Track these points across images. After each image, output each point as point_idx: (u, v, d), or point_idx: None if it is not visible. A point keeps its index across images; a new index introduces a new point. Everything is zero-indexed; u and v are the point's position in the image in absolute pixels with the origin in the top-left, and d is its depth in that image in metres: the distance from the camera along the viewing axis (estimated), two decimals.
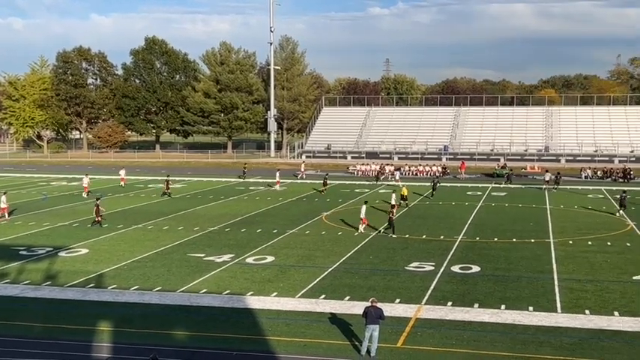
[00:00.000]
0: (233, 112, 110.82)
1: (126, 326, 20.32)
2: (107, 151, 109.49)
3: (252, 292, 23.98)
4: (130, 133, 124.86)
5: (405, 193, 47.19)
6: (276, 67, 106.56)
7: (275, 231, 36.53)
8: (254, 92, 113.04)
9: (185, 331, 19.87)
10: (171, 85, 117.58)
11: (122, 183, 60.56)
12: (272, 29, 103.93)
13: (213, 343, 18.86)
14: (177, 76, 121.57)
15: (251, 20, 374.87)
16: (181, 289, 24.45)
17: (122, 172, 61.78)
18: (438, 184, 54.82)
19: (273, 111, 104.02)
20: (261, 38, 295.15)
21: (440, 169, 73.42)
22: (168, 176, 56.77)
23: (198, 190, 56.94)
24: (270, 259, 29.58)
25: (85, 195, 51.66)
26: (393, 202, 41.59)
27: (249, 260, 29.31)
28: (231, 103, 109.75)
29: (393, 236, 34.58)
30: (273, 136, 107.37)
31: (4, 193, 42.17)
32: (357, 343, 18.63)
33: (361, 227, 36.28)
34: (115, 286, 25.04)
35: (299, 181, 66.10)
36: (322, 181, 56.35)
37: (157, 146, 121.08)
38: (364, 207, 37.16)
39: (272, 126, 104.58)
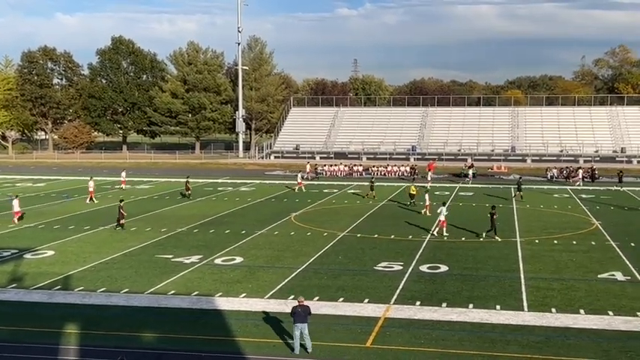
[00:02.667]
0: (201, 113, 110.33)
1: (93, 328, 20.09)
2: (73, 152, 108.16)
3: (220, 293, 23.87)
4: (96, 133, 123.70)
5: (414, 192, 48.07)
6: (244, 68, 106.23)
7: (244, 232, 36.40)
8: (222, 92, 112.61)
9: (153, 333, 19.71)
10: (138, 86, 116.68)
11: (123, 186, 58.55)
12: (240, 29, 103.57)
13: (181, 345, 18.73)
14: (145, 76, 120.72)
15: (218, 20, 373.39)
16: (149, 291, 24.24)
17: (123, 174, 60.40)
18: (522, 186, 52.98)
19: (241, 111, 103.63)
20: (228, 38, 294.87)
21: (408, 169, 73.79)
22: (188, 177, 55.58)
23: (166, 191, 56.52)
24: (238, 259, 29.47)
25: (89, 201, 48.80)
26: (427, 202, 43.02)
27: (218, 261, 29.17)
28: (199, 103, 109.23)
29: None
30: (241, 137, 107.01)
31: (16, 197, 41.21)
32: (326, 342, 18.64)
33: (438, 230, 35.50)
34: (81, 288, 24.74)
35: (272, 182, 65.90)
36: (369, 185, 53.16)
37: (124, 147, 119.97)
38: (443, 208, 35.86)
39: (240, 126, 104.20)
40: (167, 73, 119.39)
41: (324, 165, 78.10)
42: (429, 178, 62.94)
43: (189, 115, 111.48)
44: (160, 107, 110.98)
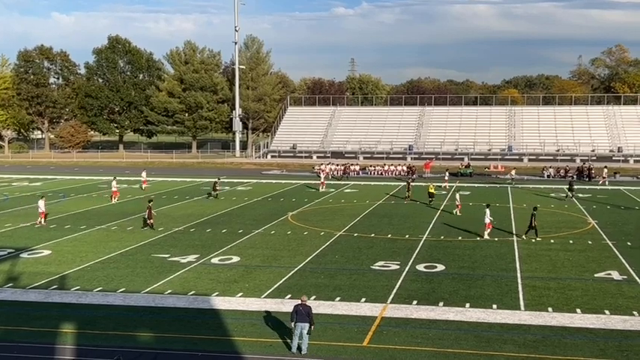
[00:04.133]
0: (198, 112, 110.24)
1: (89, 328, 20.05)
2: (70, 151, 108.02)
3: (217, 293, 23.85)
4: (92, 133, 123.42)
5: (432, 191, 48.41)
6: (241, 67, 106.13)
7: (240, 231, 36.38)
8: (219, 92, 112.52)
9: (150, 333, 19.68)
10: (134, 85, 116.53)
11: (144, 185, 58.10)
12: (237, 28, 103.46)
13: (178, 345, 18.70)
14: (141, 75, 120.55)
15: (215, 20, 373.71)
16: (146, 291, 24.21)
17: (143, 174, 60.18)
18: (575, 186, 53.40)
19: (238, 110, 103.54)
20: (225, 37, 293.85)
21: (405, 168, 73.81)
22: (218, 178, 56.13)
23: (162, 191, 56.46)
24: (235, 259, 29.44)
25: (114, 200, 48.82)
26: (458, 202, 43.14)
27: (215, 261, 29.14)
28: (195, 102, 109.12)
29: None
30: (238, 136, 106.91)
31: (42, 197, 40.91)
32: (324, 342, 18.63)
33: (486, 233, 34.83)
34: (78, 287, 24.70)
35: (268, 181, 65.85)
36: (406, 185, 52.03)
37: (121, 146, 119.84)
38: (488, 211, 35.18)
39: (237, 126, 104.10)
40: (164, 73, 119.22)
41: (321, 164, 78.01)
42: (447, 178, 62.41)
43: (186, 115, 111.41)
44: (157, 106, 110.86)
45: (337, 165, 75.26)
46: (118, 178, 54.41)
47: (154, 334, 19.57)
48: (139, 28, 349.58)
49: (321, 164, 75.41)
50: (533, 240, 33.57)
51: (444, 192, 55.17)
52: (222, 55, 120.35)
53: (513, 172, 65.89)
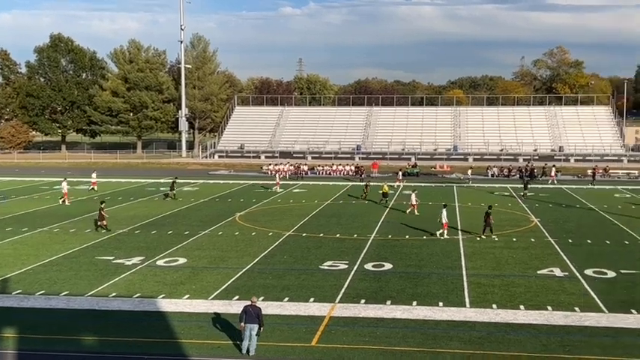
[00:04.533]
0: (142, 112, 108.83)
1: (31, 333, 19.54)
2: (10, 151, 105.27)
3: (163, 295, 23.55)
4: (34, 133, 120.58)
5: (386, 191, 48.59)
6: (187, 66, 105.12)
7: (187, 232, 36.01)
8: (164, 91, 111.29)
9: (94, 337, 19.30)
10: (77, 84, 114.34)
11: (94, 187, 56.54)
12: (182, 27, 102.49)
13: (123, 348, 18.39)
14: (84, 74, 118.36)
15: (160, 18, 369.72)
16: (90, 294, 23.74)
17: (94, 175, 58.69)
18: (529, 185, 55.01)
19: (184, 110, 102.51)
20: (171, 36, 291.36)
21: (353, 168, 74.17)
22: (176, 178, 54.91)
23: (106, 192, 55.46)
24: (181, 261, 29.13)
25: (65, 202, 47.36)
26: (413, 202, 43.15)
27: (160, 263, 28.78)
28: (140, 102, 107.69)
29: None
30: (184, 136, 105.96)
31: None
32: (272, 343, 18.56)
33: (445, 232, 34.75)
34: (19, 291, 24.08)
35: (216, 182, 65.35)
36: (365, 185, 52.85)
37: (63, 147, 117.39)
38: (444, 211, 35.19)
39: (183, 125, 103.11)
40: (108, 72, 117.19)
41: (276, 164, 77.87)
42: (400, 177, 63.04)
43: (131, 114, 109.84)
44: (101, 106, 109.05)
45: (293, 165, 75.17)
46: (65, 178, 53.00)
47: (99, 338, 19.21)
48: (83, 27, 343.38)
49: (276, 164, 75.29)
50: (479, 238, 34.08)
51: (390, 191, 55.54)
52: (167, 54, 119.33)
53: (469, 171, 66.70)
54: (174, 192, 51.12)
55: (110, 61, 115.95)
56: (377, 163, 75.33)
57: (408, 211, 42.99)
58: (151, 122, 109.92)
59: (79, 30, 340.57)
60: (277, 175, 60.80)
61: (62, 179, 51.40)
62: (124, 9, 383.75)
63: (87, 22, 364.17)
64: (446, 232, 34.79)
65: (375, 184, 55.65)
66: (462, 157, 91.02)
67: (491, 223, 34.57)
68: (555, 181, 63.89)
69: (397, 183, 59.77)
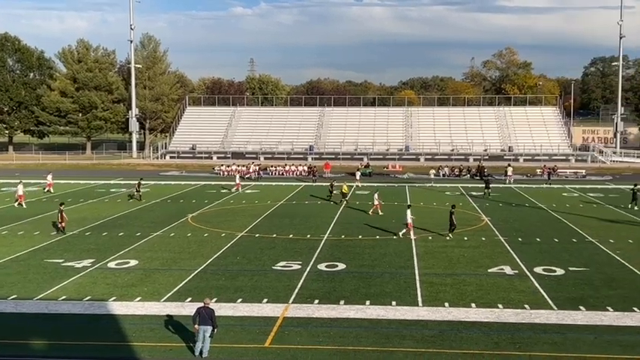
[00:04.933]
0: (92, 112, 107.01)
1: None
2: None
3: (114, 298, 23.21)
4: None
5: (346, 191, 48.57)
6: (137, 66, 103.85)
7: (138, 234, 35.56)
8: (114, 91, 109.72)
9: (43, 341, 18.92)
10: (24, 84, 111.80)
11: (50, 189, 55.50)
12: (132, 27, 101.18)
13: (73, 352, 18.08)
14: (32, 74, 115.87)
15: (110, 17, 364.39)
16: (39, 297, 23.26)
17: (49, 177, 57.29)
18: (490, 184, 55.73)
19: (134, 110, 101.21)
20: (120, 36, 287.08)
21: (306, 168, 74.20)
22: (141, 179, 54.37)
23: (55, 193, 54.39)
24: (133, 262, 28.75)
25: (18, 204, 46.18)
26: (376, 202, 43.14)
27: (111, 265, 28.36)
28: (89, 102, 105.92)
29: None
30: (135, 137, 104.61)
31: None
32: (225, 344, 18.45)
33: (411, 233, 34.62)
34: None
35: (167, 182, 64.69)
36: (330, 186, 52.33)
37: (10, 148, 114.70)
38: (409, 211, 35.19)
39: (133, 126, 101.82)
40: (56, 72, 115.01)
41: (222, 165, 77.44)
42: (358, 177, 63.12)
43: (80, 115, 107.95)
44: (49, 106, 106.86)
45: (246, 166, 74.90)
46: (21, 180, 51.67)
47: (49, 342, 18.84)
48: (30, 26, 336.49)
49: (238, 165, 74.90)
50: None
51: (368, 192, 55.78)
52: (117, 54, 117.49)
53: (432, 172, 67.18)
54: (141, 193, 50.62)
55: (58, 60, 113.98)
56: (329, 164, 75.50)
57: (371, 211, 43.12)
58: (100, 123, 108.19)
59: (26, 29, 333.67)
60: (237, 176, 60.40)
61: (18, 181, 50.18)
62: (72, 8, 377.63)
63: (34, 21, 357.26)
64: (412, 232, 34.74)
65: (325, 184, 55.68)
66: (414, 157, 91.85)
67: (455, 222, 34.89)
68: (512, 180, 64.91)
69: (357, 183, 60.06)
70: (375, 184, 60.98)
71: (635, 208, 45.75)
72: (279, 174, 73.83)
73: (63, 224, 35.80)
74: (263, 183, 64.03)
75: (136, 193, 50.69)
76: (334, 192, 50.44)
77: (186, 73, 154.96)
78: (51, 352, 18.15)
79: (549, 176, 66.53)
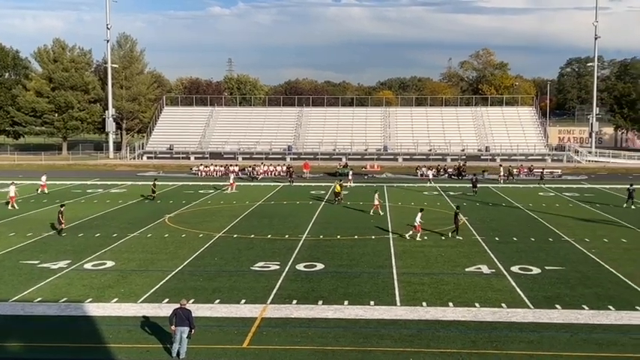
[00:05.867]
0: (68, 112, 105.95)
1: None
2: None
3: (91, 299, 23.02)
4: None
5: (339, 190, 48.60)
6: (114, 66, 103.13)
7: (115, 235, 35.29)
8: (90, 91, 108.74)
9: (19, 343, 18.73)
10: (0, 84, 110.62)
11: (44, 189, 54.99)
12: (108, 26, 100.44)
13: (49, 354, 17.93)
14: (7, 74, 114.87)
15: (86, 17, 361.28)
16: (14, 299, 23.01)
17: (43, 178, 56.71)
18: (478, 184, 56.52)
19: (111, 110, 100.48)
20: (97, 36, 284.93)
21: (285, 168, 74.09)
22: (155, 179, 54.64)
23: (31, 194, 53.85)
24: (110, 264, 28.53)
25: (12, 207, 45.19)
26: (376, 202, 43.11)
27: (88, 266, 28.13)
28: (65, 102, 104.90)
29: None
30: (111, 137, 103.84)
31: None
32: (203, 345, 18.38)
33: (411, 235, 34.23)
34: None
35: (144, 183, 64.29)
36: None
37: None
38: (420, 214, 34.43)
39: (110, 126, 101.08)
40: (31, 71, 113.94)
41: (200, 165, 77.13)
42: (350, 178, 63.07)
43: (56, 115, 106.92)
44: (24, 106, 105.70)
45: (224, 166, 74.66)
46: (13, 182, 50.89)
47: (24, 344, 18.66)
48: (4, 26, 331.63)
49: (231, 165, 74.68)
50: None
51: (322, 192, 55.81)
52: (93, 54, 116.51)
53: (430, 172, 67.38)
54: (155, 194, 50.79)
55: (34, 60, 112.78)
56: (308, 164, 75.46)
57: (371, 211, 43.09)
58: (76, 123, 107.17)
59: (0, 29, 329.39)
60: (231, 176, 60.28)
61: (10, 182, 49.35)
62: (48, 7, 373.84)
63: (9, 20, 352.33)
64: (418, 234, 34.12)
65: (304, 184, 55.74)
66: (392, 157, 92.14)
67: (459, 223, 34.98)
68: (502, 181, 65.42)
69: (349, 183, 60.24)
70: (354, 184, 61.09)
71: (632, 207, 46.40)
72: (257, 174, 73.55)
73: (62, 225, 35.43)
74: (241, 183, 63.77)
75: (152, 193, 50.79)
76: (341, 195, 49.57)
77: (163, 73, 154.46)
78: (26, 355, 17.98)
79: (542, 176, 66.56)
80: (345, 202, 48.91)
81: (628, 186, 48.61)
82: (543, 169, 67.50)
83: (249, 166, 74.10)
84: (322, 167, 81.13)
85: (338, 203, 47.61)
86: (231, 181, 58.01)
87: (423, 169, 74.15)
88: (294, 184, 62.82)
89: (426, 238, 34.47)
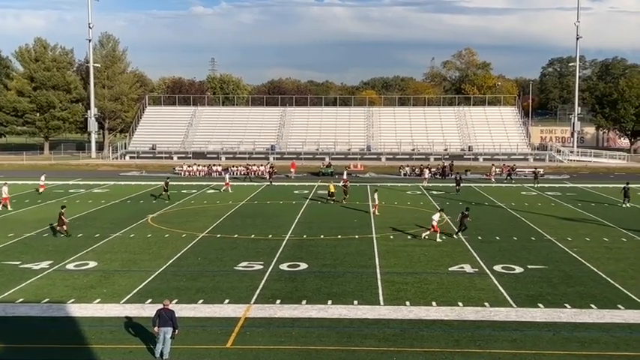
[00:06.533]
0: (50, 112, 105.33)
1: None
2: None
3: (73, 300, 22.87)
4: None
5: (333, 190, 48.77)
6: (96, 65, 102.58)
7: (97, 235, 35.08)
8: (72, 91, 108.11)
9: (1, 344, 18.55)
10: None
11: (41, 190, 54.76)
12: (90, 25, 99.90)
13: (31, 355, 17.81)
14: None
15: (67, 16, 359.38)
16: None
17: (42, 178, 56.32)
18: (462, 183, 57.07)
19: (93, 110, 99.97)
20: (79, 35, 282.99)
21: (269, 168, 73.94)
22: (168, 178, 54.78)
23: (12, 194, 53.29)
24: (92, 264, 28.36)
25: (2, 207, 44.84)
26: (376, 202, 43.00)
27: (70, 266, 27.94)
28: (47, 102, 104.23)
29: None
30: (94, 137, 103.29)
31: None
32: (186, 345, 18.32)
33: (437, 235, 33.70)
34: None
35: (127, 183, 63.97)
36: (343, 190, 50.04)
37: None
38: (438, 214, 34.34)
39: (92, 126, 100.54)
40: (12, 71, 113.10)
41: (183, 164, 76.87)
42: (345, 177, 62.92)
43: (37, 115, 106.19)
44: (5, 106, 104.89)
45: (206, 166, 74.47)
46: (6, 182, 50.25)
47: (5, 345, 18.50)
48: None
49: (213, 165, 74.61)
50: (392, 237, 34.58)
51: (305, 191, 55.78)
52: (75, 53, 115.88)
53: (426, 171, 67.41)
54: (169, 193, 50.55)
55: (15, 60, 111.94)
56: (295, 163, 75.46)
57: (372, 211, 42.99)
58: (58, 122, 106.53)
59: None
60: (227, 176, 60.18)
61: (3, 183, 48.83)
62: (29, 6, 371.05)
63: None
64: (438, 235, 33.80)
65: (287, 184, 55.67)
66: (376, 156, 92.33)
67: (466, 223, 34.92)
68: (493, 180, 65.76)
69: (345, 183, 60.12)
70: (378, 184, 61.13)
71: (628, 205, 46.93)
72: (241, 174, 73.42)
73: (64, 227, 34.98)
74: (223, 183, 63.60)
75: (164, 192, 50.55)
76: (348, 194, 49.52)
77: (146, 73, 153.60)
78: (8, 356, 17.83)
79: (536, 177, 64.23)
80: (329, 201, 48.92)
81: (624, 185, 48.96)
82: (536, 169, 67.45)
83: (247, 166, 73.72)
84: (305, 167, 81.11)
85: (332, 203, 47.71)
86: (227, 181, 57.86)
87: (407, 168, 74.43)
88: (274, 183, 62.63)
89: (409, 237, 34.55)
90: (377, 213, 42.71)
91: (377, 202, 43.34)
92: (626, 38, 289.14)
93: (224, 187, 56.62)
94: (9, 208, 44.82)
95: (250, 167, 72.03)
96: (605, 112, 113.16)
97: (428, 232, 34.30)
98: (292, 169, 72.78)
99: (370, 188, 52.20)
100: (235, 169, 74.97)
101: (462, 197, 52.26)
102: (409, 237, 34.62)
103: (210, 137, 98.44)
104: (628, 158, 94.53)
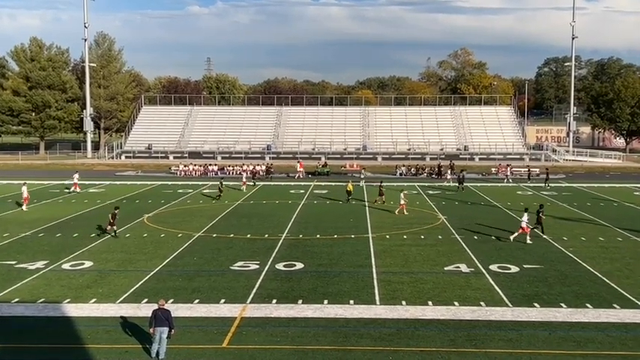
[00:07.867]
0: (45, 111, 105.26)
1: None
2: None
3: (69, 300, 22.83)
4: None
5: (351, 189, 49.02)
6: (92, 65, 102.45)
7: (93, 235, 35.03)
8: (68, 90, 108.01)
9: None
10: None
11: (77, 189, 54.81)
12: (86, 25, 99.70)
13: (27, 356, 17.77)
14: None
15: (63, 16, 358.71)
16: None
17: (75, 177, 56.29)
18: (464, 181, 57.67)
19: (89, 110, 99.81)
20: (74, 35, 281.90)
21: (264, 167, 73.92)
22: (222, 179, 56.06)
23: (7, 194, 53.27)
24: (88, 264, 28.32)
25: (25, 208, 44.59)
26: (402, 202, 42.70)
27: (66, 266, 27.90)
28: (43, 101, 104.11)
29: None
30: (89, 136, 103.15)
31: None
32: (182, 345, 18.30)
33: (527, 237, 33.12)
34: None
35: (123, 182, 63.88)
36: (378, 189, 49.03)
37: None
38: (526, 215, 33.58)
39: (88, 125, 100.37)
40: (8, 71, 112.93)
41: (179, 164, 76.79)
42: (363, 177, 62.91)
43: (33, 114, 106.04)
44: (1, 106, 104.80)
45: (202, 165, 74.42)
46: (25, 182, 50.13)
47: (1, 345, 18.46)
48: None
49: (242, 164, 74.47)
50: (388, 236, 34.59)
51: (301, 191, 55.76)
52: (71, 53, 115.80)
53: (406, 168, 67.70)
54: (221, 193, 50.90)
55: (10, 59, 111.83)
56: (302, 163, 75.23)
57: (397, 211, 42.70)
58: (54, 122, 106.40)
59: None
60: (244, 175, 60.45)
61: (22, 183, 48.46)
62: (24, 6, 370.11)
63: None
64: (528, 238, 33.14)
65: (281, 183, 55.60)
66: (371, 156, 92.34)
67: (542, 222, 35.06)
68: (508, 181, 65.89)
69: (362, 182, 60.36)
70: (333, 184, 61.11)
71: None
72: (237, 173, 73.33)
73: (112, 227, 34.81)
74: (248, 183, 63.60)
75: (219, 192, 50.85)
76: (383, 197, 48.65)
77: (142, 72, 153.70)
78: (4, 356, 17.80)
79: (547, 177, 62.48)
80: (325, 200, 48.94)
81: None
82: (548, 169, 66.79)
83: (264, 164, 73.79)
84: (302, 166, 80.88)
85: (351, 202, 47.92)
86: (244, 180, 58.18)
87: (403, 168, 74.44)
88: (259, 183, 62.48)
89: (405, 237, 34.57)
90: (405, 212, 42.26)
91: (403, 201, 42.81)
92: (621, 38, 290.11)
93: (242, 186, 56.93)
94: (24, 209, 44.59)
95: (255, 167, 71.91)
96: (601, 111, 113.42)
97: (516, 234, 33.64)
98: (301, 169, 72.14)
99: (399, 188, 52.05)
100: (231, 168, 74.95)
101: (458, 197, 52.29)
102: (405, 236, 34.62)
103: (206, 137, 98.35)
104: (623, 158, 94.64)
